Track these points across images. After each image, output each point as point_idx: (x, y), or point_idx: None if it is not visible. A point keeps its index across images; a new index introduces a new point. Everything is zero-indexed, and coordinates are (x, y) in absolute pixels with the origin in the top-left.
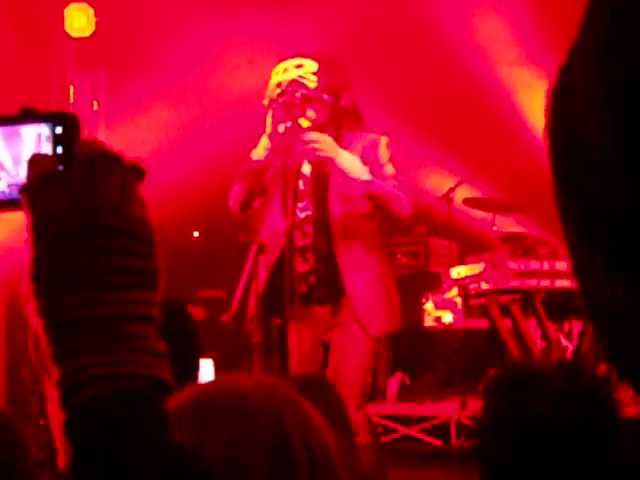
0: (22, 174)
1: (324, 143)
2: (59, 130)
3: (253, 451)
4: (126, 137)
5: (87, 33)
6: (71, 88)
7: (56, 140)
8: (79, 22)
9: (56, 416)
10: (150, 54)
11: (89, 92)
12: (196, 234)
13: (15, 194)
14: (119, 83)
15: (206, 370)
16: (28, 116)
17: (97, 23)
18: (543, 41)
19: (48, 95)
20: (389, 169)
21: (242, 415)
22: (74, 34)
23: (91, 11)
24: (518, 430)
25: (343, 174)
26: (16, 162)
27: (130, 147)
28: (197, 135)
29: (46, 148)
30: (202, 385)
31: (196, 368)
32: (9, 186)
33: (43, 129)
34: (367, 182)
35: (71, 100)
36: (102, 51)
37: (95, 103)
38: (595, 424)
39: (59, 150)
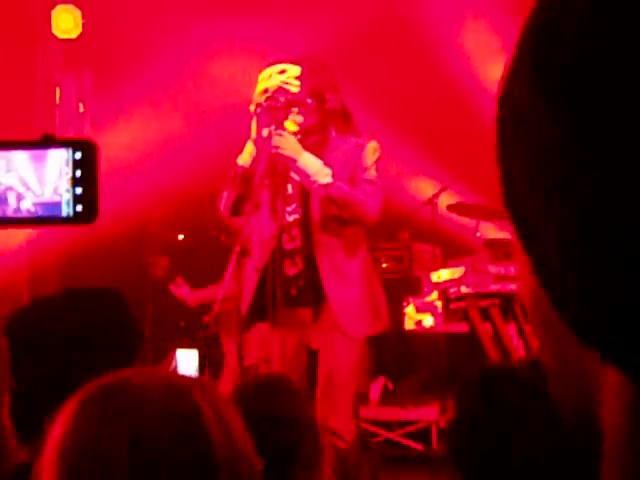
0: (47, 194)
1: (287, 143)
2: (78, 155)
3: (156, 443)
4: (112, 139)
5: (74, 35)
6: (57, 89)
7: (75, 164)
8: (66, 24)
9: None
10: (137, 56)
11: (75, 94)
12: (181, 237)
13: (40, 212)
14: (106, 85)
15: (190, 361)
16: (50, 142)
17: (84, 25)
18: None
19: (34, 96)
20: (370, 174)
21: (146, 408)
22: (61, 35)
23: (78, 13)
24: (491, 427)
25: (303, 175)
26: (41, 183)
27: (115, 150)
28: (182, 138)
29: (66, 171)
30: (116, 376)
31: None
32: (34, 205)
33: (63, 154)
34: (325, 185)
35: (57, 101)
36: (89, 53)
37: (81, 105)
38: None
39: (78, 174)
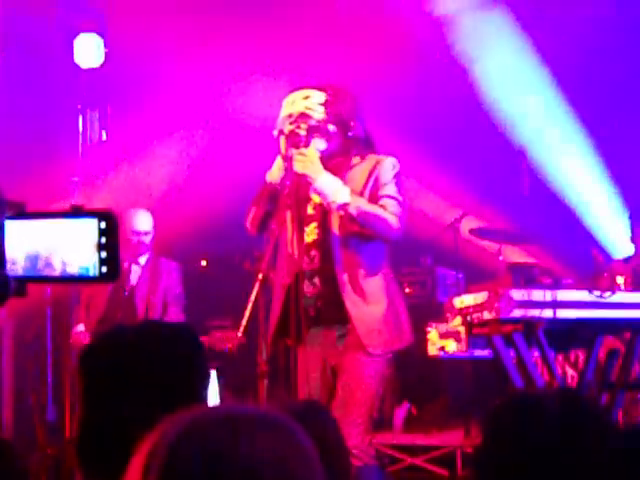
0: (77, 257)
1: (307, 163)
2: (103, 225)
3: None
4: (135, 168)
5: (96, 64)
6: (80, 118)
7: (101, 233)
8: (88, 53)
9: None
10: (160, 84)
11: (98, 122)
12: (204, 263)
13: (68, 273)
14: (128, 113)
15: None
16: (78, 213)
17: (106, 54)
18: (550, 71)
19: (58, 125)
20: (389, 189)
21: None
22: (83, 64)
23: (101, 42)
24: (519, 457)
25: (323, 194)
26: (71, 248)
27: (139, 178)
28: (205, 167)
29: (93, 239)
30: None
31: (204, 394)
32: (67, 266)
33: (90, 223)
34: (343, 205)
35: (80, 130)
36: (111, 81)
37: (104, 133)
38: (594, 448)
39: (103, 240)
